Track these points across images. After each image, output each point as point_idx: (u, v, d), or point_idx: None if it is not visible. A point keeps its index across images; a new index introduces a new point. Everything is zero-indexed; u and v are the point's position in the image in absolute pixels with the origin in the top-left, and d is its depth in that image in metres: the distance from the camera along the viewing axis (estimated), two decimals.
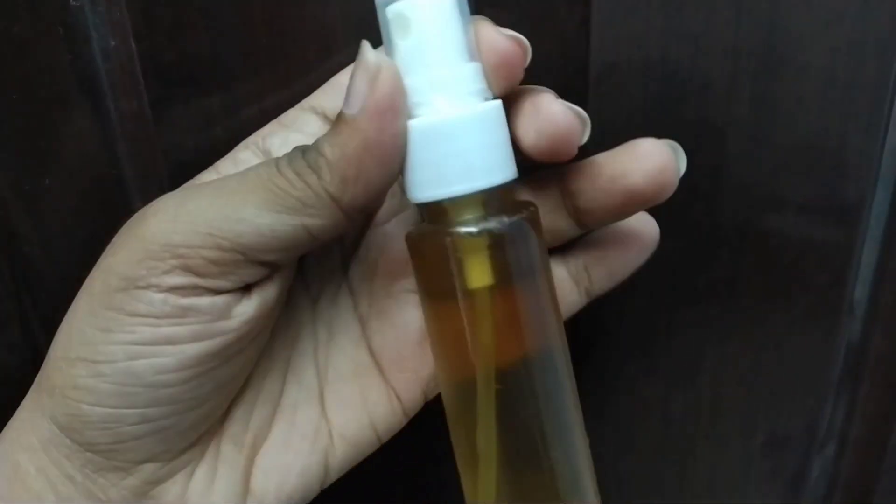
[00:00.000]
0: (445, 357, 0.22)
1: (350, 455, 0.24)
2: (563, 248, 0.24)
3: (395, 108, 0.18)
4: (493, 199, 0.19)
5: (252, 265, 0.19)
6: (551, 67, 0.25)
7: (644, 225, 0.24)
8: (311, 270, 0.24)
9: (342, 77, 0.22)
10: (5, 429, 0.21)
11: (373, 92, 0.18)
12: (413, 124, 0.19)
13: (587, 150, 0.25)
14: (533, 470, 0.21)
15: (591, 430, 0.32)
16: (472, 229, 0.19)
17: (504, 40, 0.19)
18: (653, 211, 0.28)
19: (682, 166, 0.21)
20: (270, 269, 0.20)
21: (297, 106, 0.23)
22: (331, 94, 0.22)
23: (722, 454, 0.33)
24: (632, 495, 0.34)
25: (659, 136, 0.26)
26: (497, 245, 0.19)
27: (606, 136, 0.26)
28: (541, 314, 0.21)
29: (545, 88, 0.20)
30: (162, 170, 0.24)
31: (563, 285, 0.24)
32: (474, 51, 0.19)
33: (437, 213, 0.20)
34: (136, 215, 0.20)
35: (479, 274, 0.19)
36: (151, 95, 0.23)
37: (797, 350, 0.31)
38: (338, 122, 0.19)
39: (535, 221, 0.20)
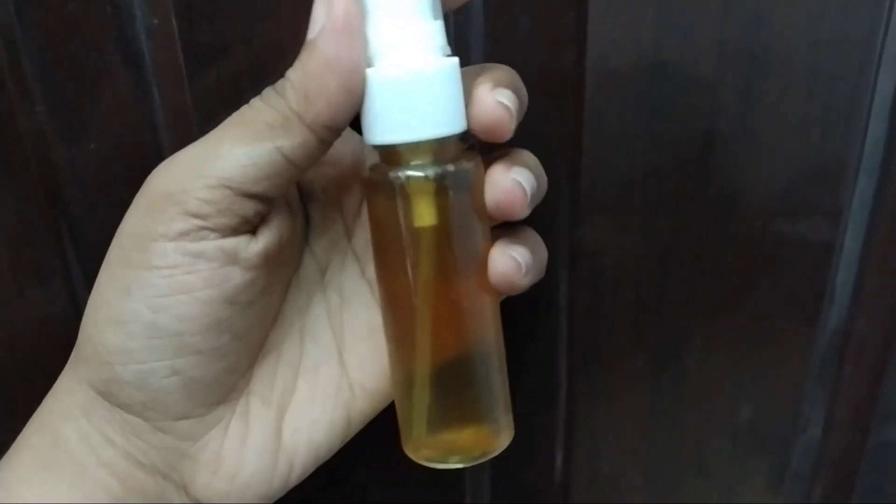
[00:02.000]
0: (389, 293, 0.23)
1: (370, 407, 0.25)
2: None
3: (350, 27, 0.20)
4: (442, 148, 0.21)
5: (243, 199, 0.21)
6: (550, 59, 0.27)
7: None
8: (318, 240, 0.25)
9: None
10: (44, 401, 0.23)
11: (329, 15, 0.20)
12: (375, 73, 0.20)
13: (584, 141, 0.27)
14: (459, 393, 0.23)
15: (584, 401, 0.34)
16: (422, 173, 0.21)
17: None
18: (636, 187, 0.29)
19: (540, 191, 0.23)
20: (265, 204, 0.21)
21: None
22: None
23: (708, 429, 0.34)
24: (620, 466, 0.35)
25: (650, 122, 0.28)
26: (442, 189, 0.21)
27: (603, 121, 0.28)
28: (475, 255, 0.23)
29: (485, 77, 0.22)
30: (197, 139, 0.26)
31: None
32: (439, 10, 0.21)
33: (391, 157, 0.22)
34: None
35: (424, 214, 0.21)
36: (189, 71, 0.25)
37: (781, 332, 0.32)
38: (301, 50, 0.20)
39: (477, 170, 0.22)
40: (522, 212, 0.22)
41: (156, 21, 0.25)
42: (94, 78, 0.25)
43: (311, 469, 0.25)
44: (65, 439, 0.22)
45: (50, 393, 0.23)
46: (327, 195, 0.25)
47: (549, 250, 0.31)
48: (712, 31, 0.27)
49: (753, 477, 0.36)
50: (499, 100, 0.21)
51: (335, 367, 0.25)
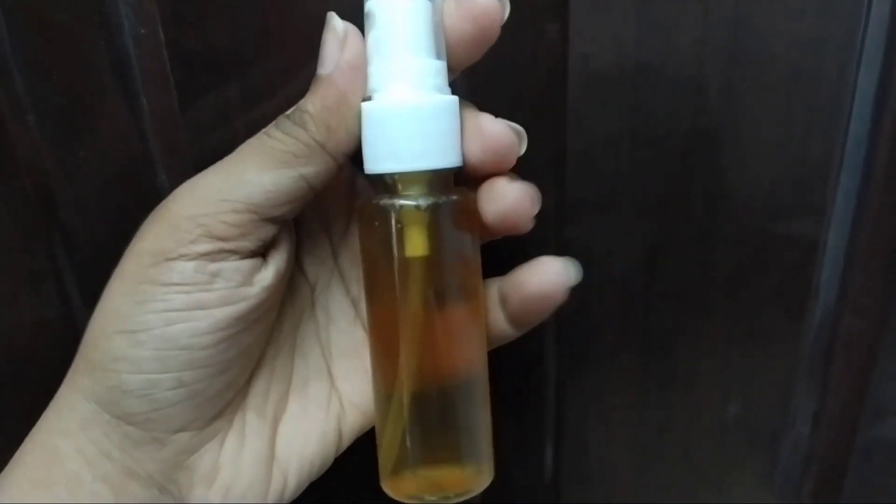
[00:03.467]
0: (376, 320, 0.23)
1: (360, 421, 0.26)
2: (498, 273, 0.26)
3: (361, 65, 0.21)
4: (436, 180, 0.22)
5: (264, 223, 0.22)
6: (534, 59, 0.27)
7: (553, 281, 0.24)
8: (307, 259, 0.26)
9: None
10: (42, 418, 0.23)
11: (343, 52, 0.21)
12: (375, 105, 0.21)
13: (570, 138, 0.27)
14: (441, 429, 0.23)
15: (573, 400, 0.34)
16: (416, 203, 0.21)
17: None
18: (621, 187, 0.30)
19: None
20: (279, 227, 0.22)
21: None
22: None
23: (697, 426, 0.34)
24: (609, 464, 0.35)
25: (633, 122, 0.29)
26: (435, 220, 0.22)
27: (586, 123, 0.29)
28: (465, 286, 0.23)
29: (477, 111, 0.22)
30: (185, 145, 0.27)
31: (492, 303, 0.25)
32: (443, 51, 0.22)
33: (386, 186, 0.22)
34: (159, 205, 0.22)
35: (416, 244, 0.22)
36: (176, 79, 0.26)
37: (768, 329, 0.33)
38: (315, 83, 0.21)
39: (471, 203, 0.22)
40: (528, 224, 0.23)
41: (143, 30, 0.25)
42: (83, 86, 0.26)
43: (306, 483, 0.25)
44: (61, 455, 0.22)
45: (47, 410, 0.23)
46: (315, 215, 0.26)
47: (536, 251, 0.31)
48: (693, 32, 0.27)
49: (743, 474, 0.36)
50: (508, 124, 0.22)
51: (325, 382, 0.26)
